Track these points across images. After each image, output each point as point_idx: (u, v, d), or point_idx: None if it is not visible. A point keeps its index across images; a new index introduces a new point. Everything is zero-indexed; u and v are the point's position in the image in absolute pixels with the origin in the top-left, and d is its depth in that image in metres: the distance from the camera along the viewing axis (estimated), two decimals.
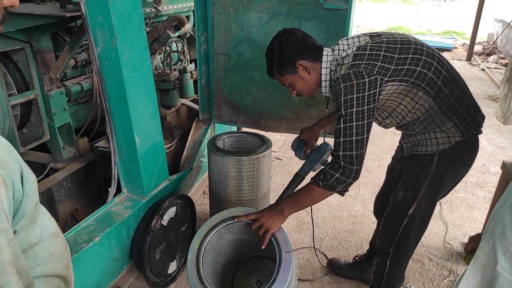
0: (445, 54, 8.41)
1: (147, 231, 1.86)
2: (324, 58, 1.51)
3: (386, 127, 1.61)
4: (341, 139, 1.38)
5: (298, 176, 1.75)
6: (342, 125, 1.37)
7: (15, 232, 0.60)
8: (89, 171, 2.53)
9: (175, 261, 2.15)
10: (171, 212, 2.03)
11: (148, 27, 3.04)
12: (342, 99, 1.35)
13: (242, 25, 2.39)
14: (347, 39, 1.52)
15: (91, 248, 1.63)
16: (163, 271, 2.07)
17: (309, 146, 1.89)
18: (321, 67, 1.51)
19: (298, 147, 1.87)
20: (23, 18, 1.99)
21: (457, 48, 9.62)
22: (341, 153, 1.38)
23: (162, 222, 1.95)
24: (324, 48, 1.53)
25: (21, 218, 0.60)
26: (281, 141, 3.93)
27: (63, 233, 1.63)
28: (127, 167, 1.91)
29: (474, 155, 1.55)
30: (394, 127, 1.61)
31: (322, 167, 1.70)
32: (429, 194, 1.54)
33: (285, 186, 1.75)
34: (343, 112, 1.36)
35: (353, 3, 2.20)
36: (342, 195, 1.52)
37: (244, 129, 2.79)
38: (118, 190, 1.98)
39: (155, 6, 3.01)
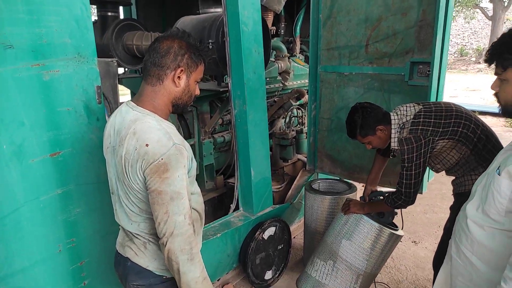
0: None
1: (252, 239, 2.58)
2: (393, 122, 2.02)
3: (437, 171, 2.09)
4: (404, 181, 1.95)
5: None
6: (405, 172, 1.93)
7: None
8: (220, 199, 3.43)
9: (271, 271, 2.78)
10: (271, 230, 2.71)
11: (276, 97, 4.01)
12: (406, 156, 1.91)
13: (342, 97, 3.09)
14: (405, 106, 2.05)
15: (214, 240, 2.43)
16: (260, 275, 2.71)
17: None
18: (392, 128, 2.04)
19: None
20: None
21: None
22: (403, 189, 1.96)
23: (263, 235, 2.64)
24: (391, 114, 2.06)
25: (189, 176, 1.38)
26: None
27: None
28: (244, 192, 2.71)
29: None
30: (444, 172, 2.07)
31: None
32: None
33: None
34: (407, 165, 1.91)
35: (434, 81, 2.67)
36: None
37: None
38: (237, 208, 2.78)
39: (283, 82, 3.97)
